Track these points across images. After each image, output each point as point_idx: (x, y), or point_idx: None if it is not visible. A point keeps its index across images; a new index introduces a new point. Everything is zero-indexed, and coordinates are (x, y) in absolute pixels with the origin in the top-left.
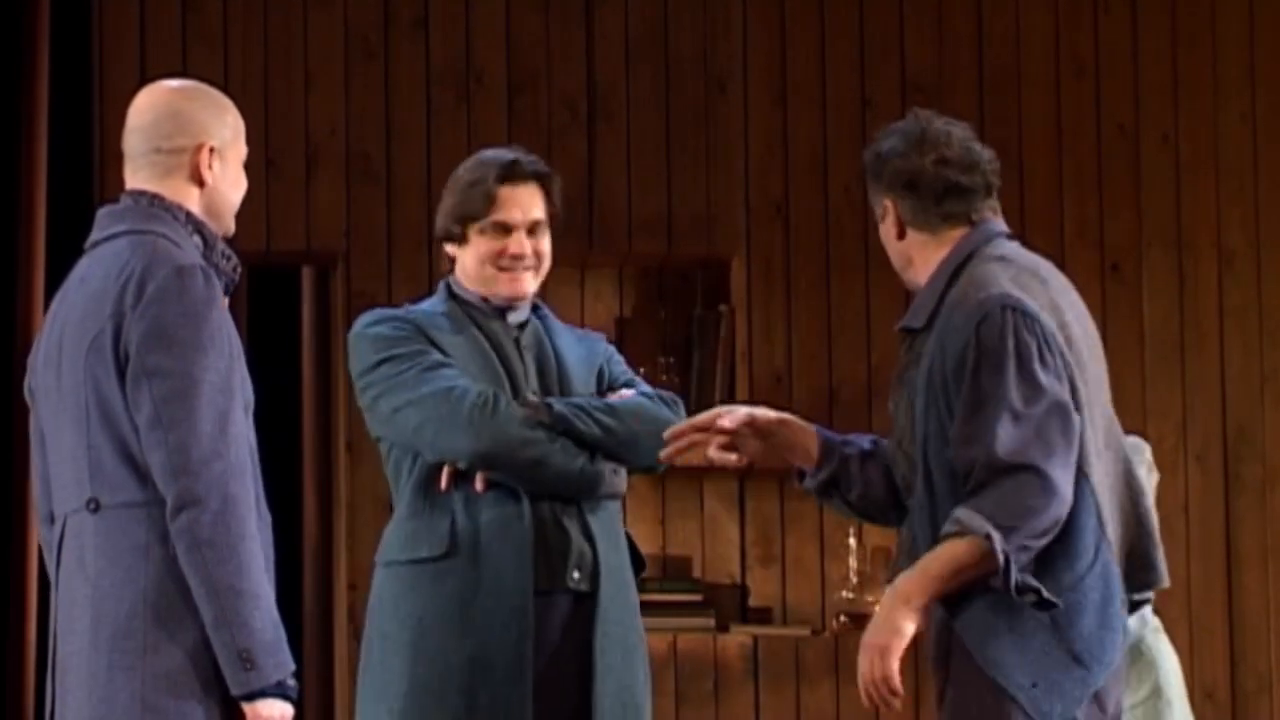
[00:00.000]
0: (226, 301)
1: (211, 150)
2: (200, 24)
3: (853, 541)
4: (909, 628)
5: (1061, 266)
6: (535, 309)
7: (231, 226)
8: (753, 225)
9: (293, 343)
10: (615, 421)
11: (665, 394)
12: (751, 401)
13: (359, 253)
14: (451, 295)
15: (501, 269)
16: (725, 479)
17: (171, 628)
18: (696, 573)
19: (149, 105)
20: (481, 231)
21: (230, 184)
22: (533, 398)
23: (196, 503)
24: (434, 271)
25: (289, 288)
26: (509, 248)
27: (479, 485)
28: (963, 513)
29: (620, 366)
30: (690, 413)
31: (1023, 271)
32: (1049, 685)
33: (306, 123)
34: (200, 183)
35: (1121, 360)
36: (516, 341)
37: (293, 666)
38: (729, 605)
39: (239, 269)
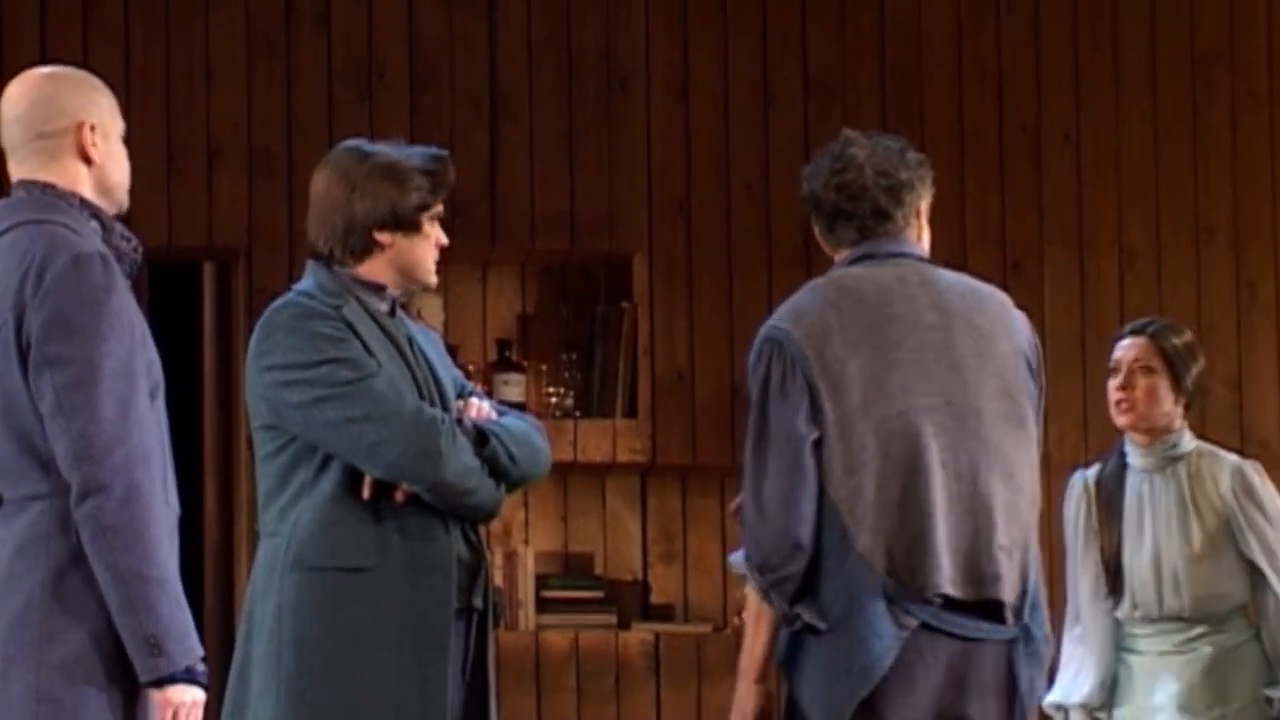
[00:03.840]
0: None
1: (92, 127)
2: (101, 19)
3: None
4: (747, 702)
5: (963, 265)
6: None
7: (125, 202)
8: (655, 222)
9: (193, 339)
10: (519, 451)
11: (533, 418)
12: (653, 399)
13: (261, 249)
14: (344, 285)
15: (434, 260)
16: (627, 476)
17: (70, 617)
18: (598, 570)
19: (22, 94)
20: (432, 220)
21: (115, 160)
22: (465, 422)
23: (101, 489)
24: None
25: (190, 283)
26: (443, 238)
27: (399, 497)
28: (732, 555)
29: (460, 373)
30: (590, 411)
31: (817, 297)
32: (812, 698)
33: (208, 118)
34: (88, 160)
35: None
36: (409, 340)
37: (201, 652)
38: (630, 602)
39: (140, 249)
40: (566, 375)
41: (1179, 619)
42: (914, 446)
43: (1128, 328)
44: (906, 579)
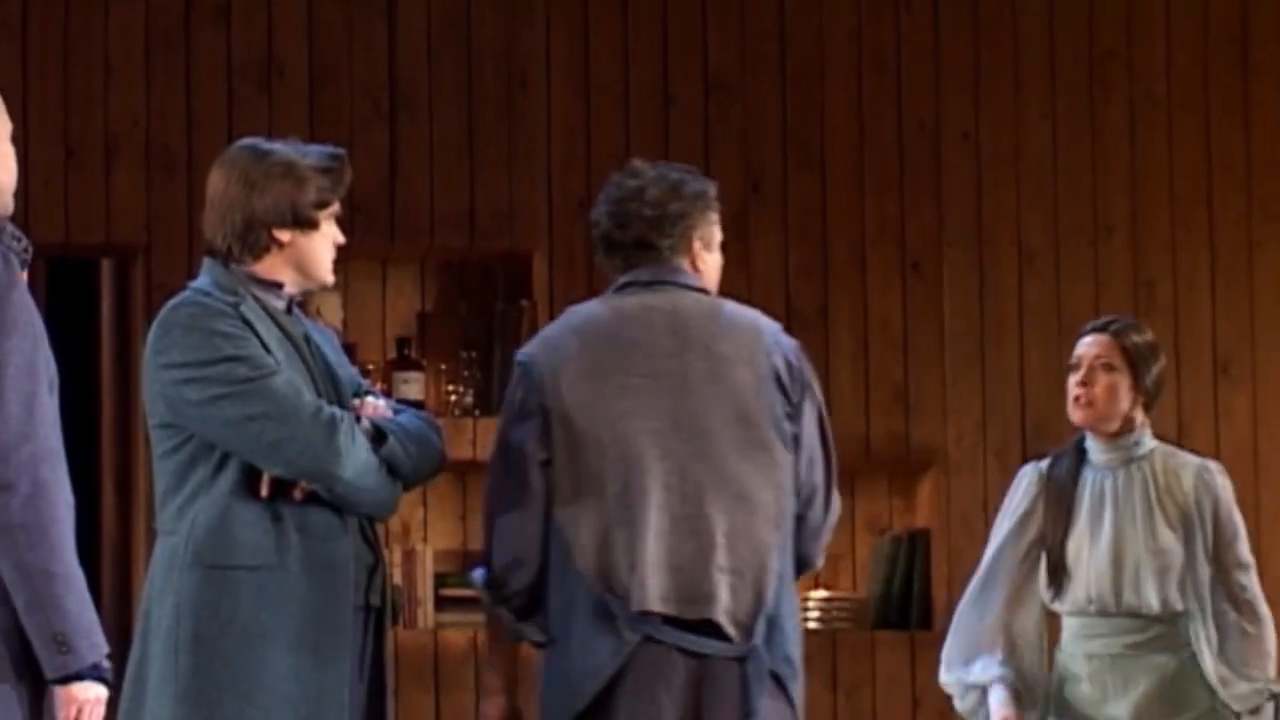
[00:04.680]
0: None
1: None
2: None
3: None
4: (487, 715)
5: (863, 264)
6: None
7: (10, 205)
8: (555, 220)
9: (91, 336)
10: (416, 449)
11: (431, 416)
12: None
13: (159, 245)
14: (241, 283)
15: (331, 258)
16: None
17: None
18: None
19: None
20: (329, 219)
21: (3, 161)
22: (363, 420)
23: (7, 487)
24: None
25: (88, 280)
26: (340, 236)
27: (298, 495)
28: (474, 572)
29: (356, 371)
30: (489, 409)
31: (569, 327)
32: (544, 710)
33: (106, 114)
34: None
35: (921, 357)
36: (306, 339)
37: (107, 649)
38: None
39: (30, 250)
40: (466, 373)
41: (1136, 616)
42: (636, 469)
43: (1090, 325)
44: (623, 596)
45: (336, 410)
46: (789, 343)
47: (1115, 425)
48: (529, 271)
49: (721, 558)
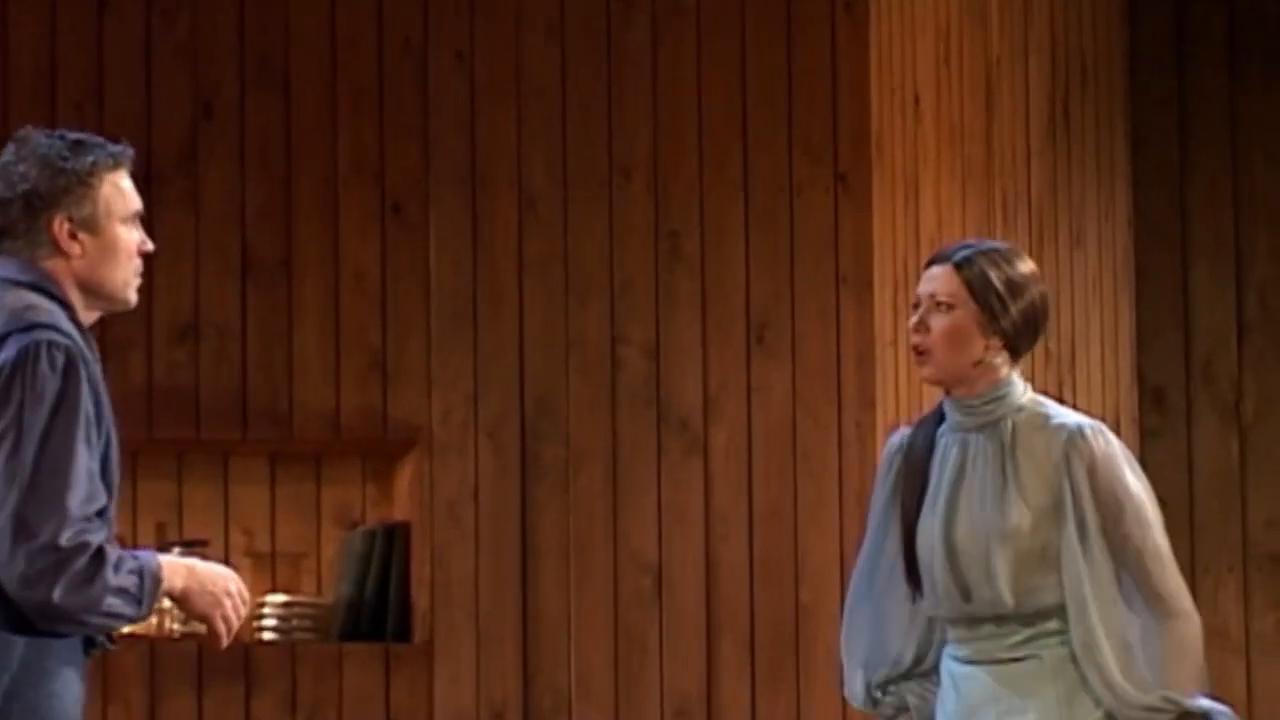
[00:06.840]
0: None
1: None
2: None
3: None
4: None
5: (334, 205)
6: None
7: None
8: None
9: None
10: None
11: None
12: None
13: None
14: None
15: None
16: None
17: None
18: None
19: None
20: None
21: None
22: None
23: None
24: None
25: None
26: None
27: None
28: None
29: None
30: None
31: None
32: None
33: None
34: None
35: (403, 318)
36: None
37: None
38: None
39: None
40: None
41: (999, 618)
42: None
43: (935, 254)
44: None
45: None
46: (21, 342)
47: (963, 378)
48: None
49: None
